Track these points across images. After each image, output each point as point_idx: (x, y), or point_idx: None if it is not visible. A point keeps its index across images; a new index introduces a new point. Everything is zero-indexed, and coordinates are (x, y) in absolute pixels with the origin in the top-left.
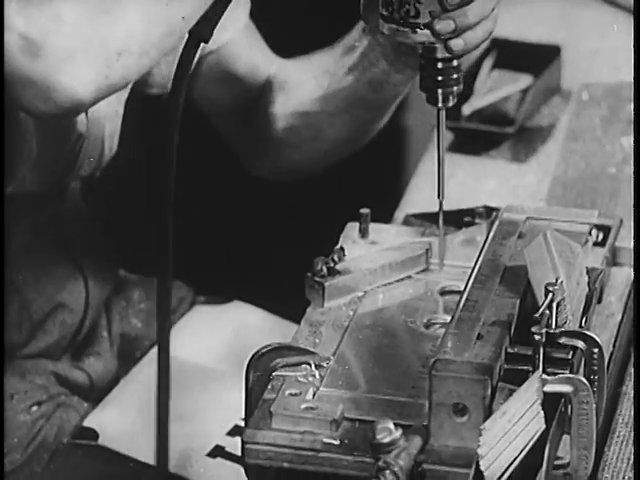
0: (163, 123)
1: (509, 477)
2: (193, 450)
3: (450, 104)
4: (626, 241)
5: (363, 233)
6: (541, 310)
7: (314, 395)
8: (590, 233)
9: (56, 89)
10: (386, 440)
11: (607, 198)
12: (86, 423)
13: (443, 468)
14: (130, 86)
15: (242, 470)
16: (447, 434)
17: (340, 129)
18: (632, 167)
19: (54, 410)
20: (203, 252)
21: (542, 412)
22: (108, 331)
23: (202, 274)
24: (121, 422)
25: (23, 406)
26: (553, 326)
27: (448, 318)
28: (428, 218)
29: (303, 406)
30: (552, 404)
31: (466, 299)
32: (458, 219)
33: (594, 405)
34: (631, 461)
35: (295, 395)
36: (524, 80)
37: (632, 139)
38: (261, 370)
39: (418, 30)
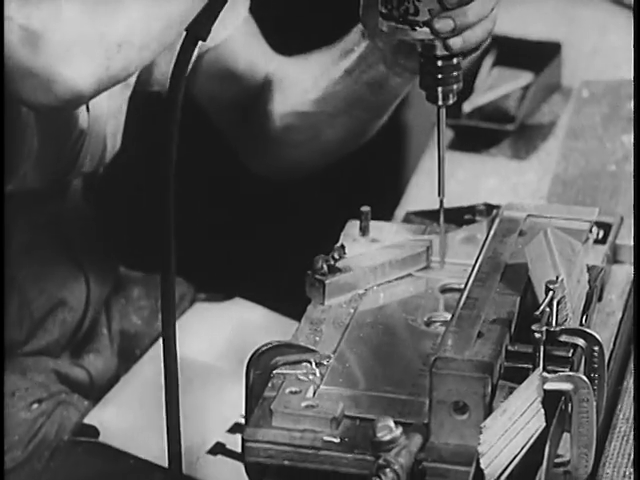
0: (162, 121)
1: (509, 475)
2: (194, 447)
3: (450, 102)
4: (627, 239)
5: (364, 231)
6: (541, 308)
7: (314, 393)
8: (590, 231)
9: (56, 81)
10: (386, 438)
11: (607, 196)
12: (87, 420)
13: (443, 466)
14: (133, 83)
15: (243, 467)
16: (447, 432)
17: (339, 129)
18: (632, 165)
19: (54, 408)
20: (204, 249)
21: (542, 410)
22: (108, 328)
23: (203, 271)
24: (122, 420)
25: (24, 403)
26: (553, 324)
27: (448, 316)
28: (429, 216)
29: (303, 404)
30: (552, 402)
31: (466, 297)
32: (458, 217)
33: (594, 403)
34: (632, 457)
35: (295, 393)
36: (524, 77)
37: (632, 136)
38: (261, 368)
39: (417, 28)
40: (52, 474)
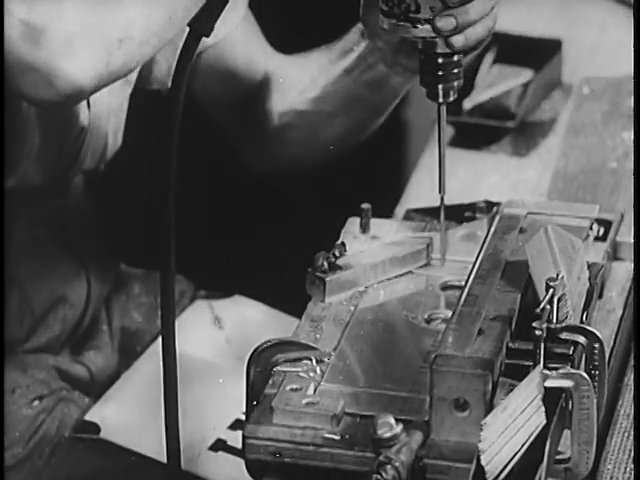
0: (164, 118)
1: (510, 472)
2: (195, 444)
3: (451, 99)
4: (627, 236)
5: (364, 228)
6: (542, 305)
7: (315, 390)
8: (591, 228)
9: (57, 75)
10: (387, 435)
11: (608, 193)
12: (88, 417)
13: (444, 463)
14: (134, 81)
15: (243, 464)
16: (448, 429)
17: (338, 128)
18: (633, 162)
19: (55, 404)
20: (204, 246)
21: (543, 407)
22: (108, 325)
23: (203, 268)
24: (123, 416)
25: (25, 400)
26: (554, 321)
27: (449, 313)
28: (429, 213)
29: (304, 401)
30: (553, 399)
31: (467, 294)
32: (459, 214)
33: (595, 400)
34: (632, 453)
35: (296, 390)
36: (525, 74)
37: (633, 133)
38: (262, 365)
39: (419, 25)
40: (53, 471)
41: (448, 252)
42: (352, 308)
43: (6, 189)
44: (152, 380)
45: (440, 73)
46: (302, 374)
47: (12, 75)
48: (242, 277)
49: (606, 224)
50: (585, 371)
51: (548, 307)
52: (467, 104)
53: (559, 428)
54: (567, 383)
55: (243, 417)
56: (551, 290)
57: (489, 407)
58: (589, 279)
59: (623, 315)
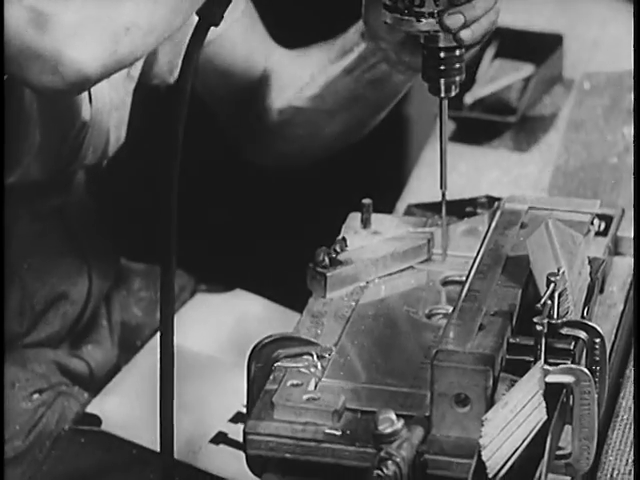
0: (170, 108)
1: (511, 468)
2: (196, 437)
3: (452, 94)
4: (628, 231)
5: (365, 223)
6: (543, 300)
7: (316, 386)
8: (592, 223)
9: (63, 63)
10: (388, 431)
11: (609, 188)
12: (89, 410)
13: (445, 458)
14: (137, 76)
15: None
16: (449, 425)
17: (338, 125)
18: (633, 157)
19: (55, 398)
20: (205, 240)
21: (544, 402)
22: (108, 320)
23: (204, 262)
24: (123, 409)
25: (24, 393)
26: (555, 316)
27: (450, 308)
28: (430, 208)
29: (305, 397)
30: (554, 394)
31: (468, 289)
32: (460, 209)
33: (596, 395)
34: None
35: (297, 386)
36: (526, 69)
37: (633, 129)
38: (263, 361)
39: (422, 19)
40: (53, 464)
41: (449, 247)
42: (353, 303)
43: (8, 185)
44: (152, 373)
45: (442, 68)
46: (303, 370)
47: (18, 63)
48: (243, 271)
49: (607, 219)
50: (586, 366)
51: (549, 302)
52: (468, 99)
53: (560, 423)
54: (568, 378)
55: (244, 410)
56: (552, 285)
57: (490, 403)
58: (590, 274)
59: (624, 310)
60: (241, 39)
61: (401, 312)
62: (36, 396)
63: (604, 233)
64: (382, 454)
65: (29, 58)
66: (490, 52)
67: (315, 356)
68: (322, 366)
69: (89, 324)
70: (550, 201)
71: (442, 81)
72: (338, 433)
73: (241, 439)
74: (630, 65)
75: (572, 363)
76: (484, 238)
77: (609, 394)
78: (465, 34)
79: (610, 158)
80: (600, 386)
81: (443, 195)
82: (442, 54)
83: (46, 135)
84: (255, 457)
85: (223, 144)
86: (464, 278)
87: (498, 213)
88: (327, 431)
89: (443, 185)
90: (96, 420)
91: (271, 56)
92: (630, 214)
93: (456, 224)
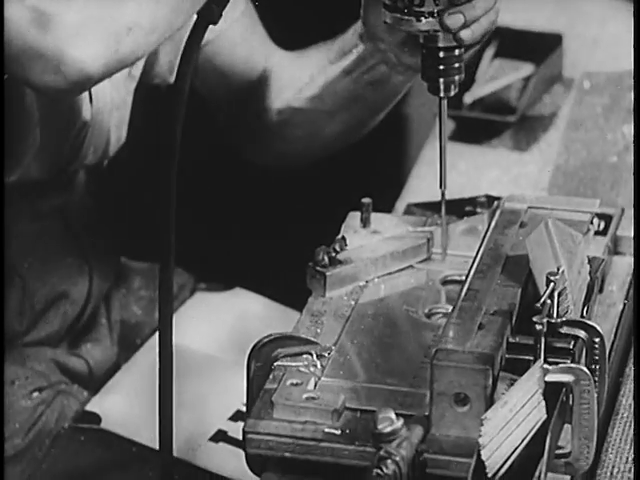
0: (168, 108)
1: (510, 467)
2: (196, 435)
3: (452, 93)
4: (627, 230)
5: (365, 222)
6: (542, 299)
7: (315, 385)
8: (591, 222)
9: (65, 62)
10: (387, 430)
11: (608, 187)
12: (89, 408)
13: (444, 458)
14: (138, 76)
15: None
16: (448, 424)
17: (338, 125)
18: (633, 156)
19: (55, 396)
20: (205, 239)
21: (543, 402)
22: (107, 318)
23: (203, 261)
24: (123, 407)
25: (24, 392)
26: (554, 315)
27: (450, 308)
28: (430, 207)
29: (304, 396)
30: (553, 394)
31: (467, 288)
32: (459, 208)
33: (595, 394)
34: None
35: (296, 385)
36: (526, 69)
37: (633, 128)
38: (262, 360)
39: (422, 18)
40: (53, 462)
41: (449, 246)
42: (353, 303)
43: (8, 184)
44: (152, 372)
45: (441, 67)
46: (302, 369)
47: (19, 62)
48: (242, 270)
49: (607, 218)
50: (586, 366)
51: (549, 301)
52: (468, 98)
53: (559, 423)
54: (568, 378)
55: (244, 408)
56: (552, 284)
57: (489, 402)
58: (590, 273)
59: (623, 309)
60: (241, 39)
61: (401, 311)
62: (36, 394)
63: (604, 232)
64: (381, 453)
65: (31, 58)
66: (490, 51)
67: (315, 355)
68: (322, 365)
69: (88, 323)
70: (550, 200)
71: (441, 81)
72: (337, 432)
73: (241, 437)
74: (630, 64)
75: (572, 362)
76: (484, 237)
77: (609, 393)
78: (465, 34)
79: (610, 157)
80: (600, 385)
81: (443, 194)
82: (441, 54)
83: (47, 135)
84: (255, 456)
85: (223, 143)
86: (464, 277)
87: (498, 212)
88: (326, 430)
89: (443, 184)
90: (96, 418)
91: (271, 57)
92: (630, 213)
93: (456, 223)
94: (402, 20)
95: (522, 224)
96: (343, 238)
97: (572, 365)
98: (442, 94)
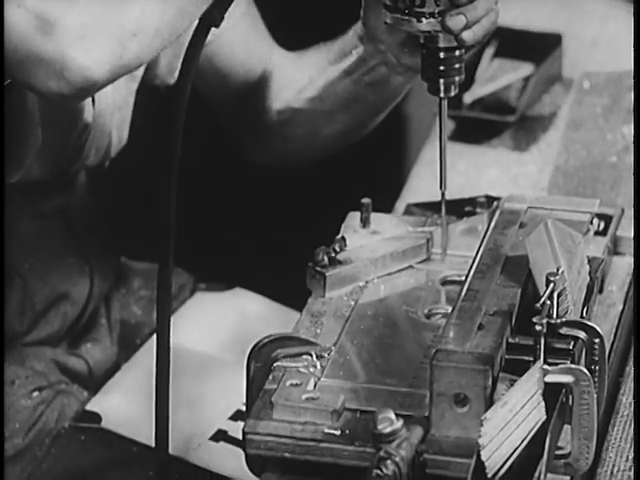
0: (169, 109)
1: (510, 467)
2: (196, 434)
3: (452, 94)
4: (627, 230)
5: (364, 223)
6: (542, 300)
7: (315, 385)
8: (591, 222)
9: (69, 68)
10: (387, 430)
11: (608, 187)
12: (89, 407)
13: (444, 458)
14: (140, 77)
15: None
16: (448, 424)
17: (338, 125)
18: (633, 156)
19: (55, 396)
20: (205, 239)
21: (543, 402)
22: (107, 318)
23: (203, 261)
24: (123, 406)
25: (24, 391)
26: (554, 316)
27: (449, 308)
28: (429, 207)
29: (304, 397)
30: (553, 394)
31: (467, 289)
32: (459, 208)
33: (595, 395)
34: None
35: (296, 385)
36: (525, 69)
37: (633, 128)
38: (262, 361)
39: (423, 19)
40: (53, 461)
41: (448, 247)
42: (352, 303)
43: (9, 184)
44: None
45: (442, 68)
46: (302, 369)
47: (23, 68)
48: (242, 270)
49: (606, 218)
50: (585, 366)
51: (548, 302)
52: (467, 98)
53: (559, 423)
54: (567, 378)
55: (243, 408)
56: (551, 285)
57: (489, 402)
58: (589, 273)
59: (623, 310)
60: (241, 40)
61: (400, 312)
62: (36, 394)
63: (603, 232)
64: (381, 454)
65: (35, 64)
66: (489, 51)
67: (314, 356)
68: (321, 366)
69: (89, 323)
70: (549, 200)
71: (442, 81)
72: (337, 433)
73: (241, 437)
74: (630, 64)
75: (571, 363)
76: (483, 237)
77: (609, 392)
78: (467, 35)
79: (609, 157)
80: (599, 386)
81: (442, 194)
82: (442, 54)
83: (48, 136)
84: (254, 456)
85: (224, 143)
86: (463, 278)
87: (497, 212)
88: (326, 431)
89: (442, 184)
90: (96, 417)
91: (271, 57)
92: (630, 213)
93: (455, 223)
94: (403, 20)
95: (522, 224)
96: (343, 238)
97: (572, 366)
98: (442, 95)
